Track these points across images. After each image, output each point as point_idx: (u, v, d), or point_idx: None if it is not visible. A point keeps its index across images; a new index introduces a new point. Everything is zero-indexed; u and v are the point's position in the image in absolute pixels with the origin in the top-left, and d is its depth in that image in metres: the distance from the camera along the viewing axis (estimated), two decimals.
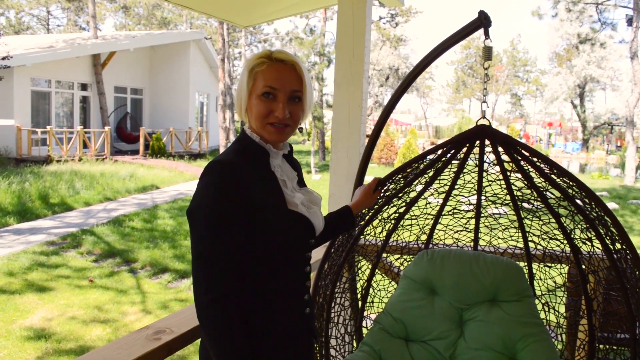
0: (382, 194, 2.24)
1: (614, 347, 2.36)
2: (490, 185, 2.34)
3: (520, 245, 2.48)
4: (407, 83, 2.17)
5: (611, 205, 13.58)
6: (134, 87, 22.87)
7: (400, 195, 2.32)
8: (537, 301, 2.40)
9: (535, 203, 2.29)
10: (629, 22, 22.08)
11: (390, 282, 2.69)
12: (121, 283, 6.71)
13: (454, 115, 54.03)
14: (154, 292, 6.50)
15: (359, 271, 2.53)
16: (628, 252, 1.91)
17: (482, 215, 2.47)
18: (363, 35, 2.52)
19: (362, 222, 2.31)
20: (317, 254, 2.23)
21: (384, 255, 2.58)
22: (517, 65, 51.05)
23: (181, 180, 15.75)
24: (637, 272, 1.88)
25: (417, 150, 21.53)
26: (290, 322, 1.48)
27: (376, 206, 2.29)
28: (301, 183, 1.61)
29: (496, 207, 2.43)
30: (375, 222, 2.39)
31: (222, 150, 21.29)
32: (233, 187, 1.33)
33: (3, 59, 14.60)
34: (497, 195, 2.36)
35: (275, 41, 30.86)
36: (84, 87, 20.44)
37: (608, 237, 2.02)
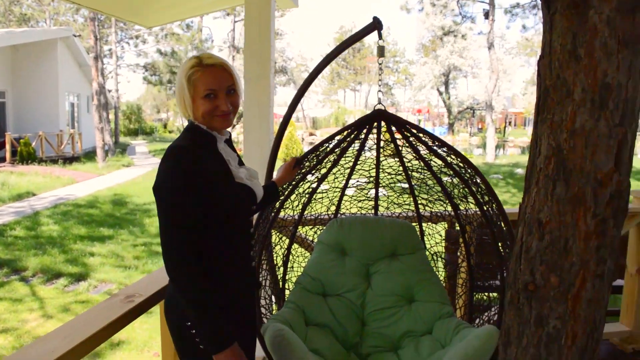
0: (300, 171, 2.60)
1: (488, 295, 2.92)
2: (386, 159, 2.80)
3: (413, 208, 2.98)
4: (309, 82, 2.51)
5: None
6: None
7: (313, 172, 2.71)
8: (427, 253, 2.91)
9: (423, 172, 2.79)
10: (486, 15, 24.27)
11: (305, 252, 3.08)
12: (14, 292, 6.48)
13: (330, 106, 55.44)
14: (52, 297, 6.37)
15: (280, 240, 2.89)
16: (493, 202, 2.45)
17: (381, 185, 2.93)
18: (269, 34, 2.85)
19: (282, 197, 2.67)
20: None
21: (300, 228, 2.97)
22: (387, 56, 53.50)
23: (59, 185, 15.00)
24: (501, 217, 2.42)
25: (298, 141, 22.10)
26: (241, 272, 1.82)
27: (293, 182, 2.67)
28: (240, 162, 1.94)
29: (392, 178, 2.91)
30: (292, 197, 2.76)
31: (99, 151, 20.57)
32: (191, 166, 1.63)
33: None
34: (392, 168, 2.84)
35: (148, 37, 29.96)
36: None
37: (479, 193, 2.55)
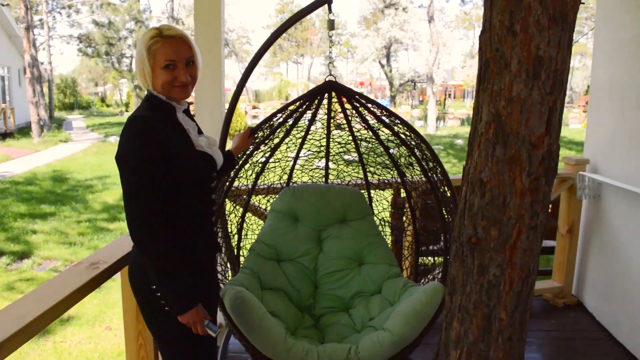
0: (254, 140, 2.67)
1: (433, 258, 3.11)
2: (336, 129, 2.91)
3: (361, 176, 3.12)
4: (259, 56, 2.55)
5: None
6: None
7: (266, 142, 2.79)
8: (375, 218, 3.05)
9: (372, 141, 2.92)
10: None
11: (259, 220, 3.18)
12: None
13: (272, 79, 54.98)
14: None
15: (234, 209, 2.97)
16: (438, 168, 2.61)
17: (331, 154, 3.05)
18: (219, 5, 2.88)
19: (237, 167, 2.74)
20: None
21: (254, 197, 3.05)
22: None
23: None
24: (445, 182, 2.59)
25: (242, 115, 21.87)
26: (203, 236, 1.90)
27: (247, 152, 2.74)
28: (199, 131, 1.99)
29: (342, 148, 3.03)
30: (246, 166, 2.84)
31: (34, 127, 19.74)
32: (152, 136, 1.68)
33: None
34: (342, 137, 2.95)
35: (82, 7, 28.66)
36: None
37: (424, 160, 2.70)
